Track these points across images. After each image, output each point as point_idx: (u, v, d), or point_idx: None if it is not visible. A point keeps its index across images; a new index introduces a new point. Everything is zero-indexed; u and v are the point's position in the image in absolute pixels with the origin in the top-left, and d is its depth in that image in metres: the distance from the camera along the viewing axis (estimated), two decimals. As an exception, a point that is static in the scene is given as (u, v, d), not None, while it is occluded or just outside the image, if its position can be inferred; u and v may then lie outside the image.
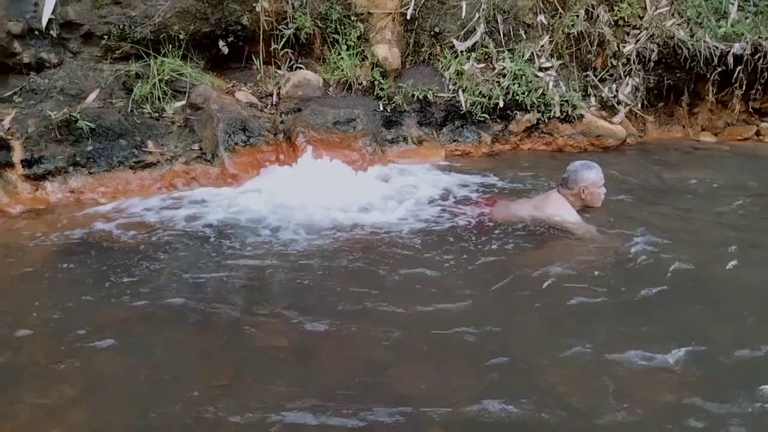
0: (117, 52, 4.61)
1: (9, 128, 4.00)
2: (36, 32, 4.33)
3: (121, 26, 4.52)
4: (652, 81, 5.80)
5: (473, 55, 5.48)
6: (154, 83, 4.58)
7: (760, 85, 5.63)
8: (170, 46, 4.71)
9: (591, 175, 3.49)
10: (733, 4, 5.66)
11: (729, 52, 5.49)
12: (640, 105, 5.78)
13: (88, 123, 4.11)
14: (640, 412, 1.88)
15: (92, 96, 4.42)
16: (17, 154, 3.90)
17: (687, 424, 1.84)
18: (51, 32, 4.35)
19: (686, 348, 2.21)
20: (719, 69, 5.59)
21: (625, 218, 3.60)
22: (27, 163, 3.91)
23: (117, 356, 2.21)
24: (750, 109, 6.02)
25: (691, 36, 5.57)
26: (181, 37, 4.71)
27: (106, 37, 4.52)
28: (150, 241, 3.29)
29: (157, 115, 4.53)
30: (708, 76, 5.66)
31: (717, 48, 5.51)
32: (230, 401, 1.95)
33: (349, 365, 2.18)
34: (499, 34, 5.60)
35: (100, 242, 3.29)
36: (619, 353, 2.21)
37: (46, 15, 4.31)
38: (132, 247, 3.23)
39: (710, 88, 5.74)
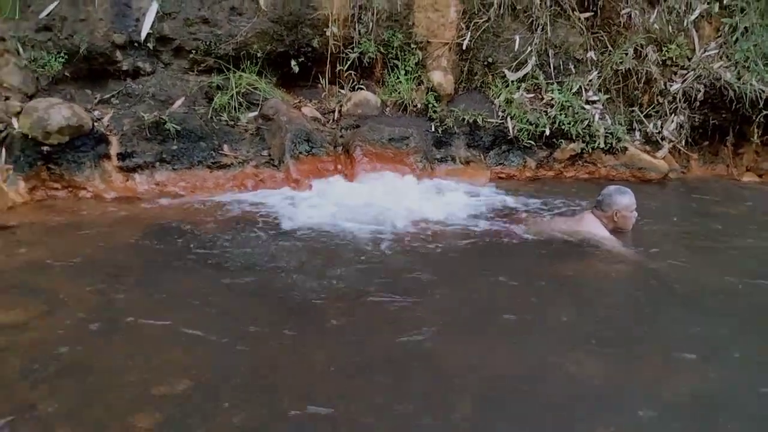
0: (202, 65, 5.18)
1: (108, 125, 4.59)
2: (135, 44, 4.94)
3: (207, 42, 5.10)
4: (697, 120, 6.00)
5: (523, 85, 5.83)
6: (232, 95, 5.12)
7: (806, 129, 5.76)
8: (248, 62, 5.26)
9: (624, 200, 3.77)
10: (781, 49, 5.84)
11: (776, 96, 5.66)
12: (684, 142, 5.98)
13: (174, 125, 4.66)
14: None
15: (179, 102, 4.99)
16: (114, 148, 4.47)
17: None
18: (148, 44, 4.95)
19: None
20: (765, 112, 5.74)
21: (657, 242, 3.83)
22: (121, 157, 4.47)
23: (192, 317, 2.60)
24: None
25: (738, 78, 5.76)
26: (259, 55, 5.25)
27: (193, 51, 5.10)
28: (221, 229, 3.73)
29: (233, 122, 5.05)
30: (753, 118, 5.82)
31: (763, 91, 5.68)
32: (291, 360, 2.31)
33: (396, 339, 2.51)
34: (550, 67, 5.94)
35: (179, 227, 3.75)
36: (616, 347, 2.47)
37: (145, 29, 4.92)
38: (205, 232, 3.67)
39: (755, 130, 5.88)
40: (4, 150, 4.13)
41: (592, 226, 3.81)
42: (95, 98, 4.87)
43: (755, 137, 5.94)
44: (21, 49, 4.54)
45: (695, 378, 2.27)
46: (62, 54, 4.63)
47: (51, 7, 4.60)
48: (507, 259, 3.48)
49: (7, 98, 4.41)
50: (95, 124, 4.51)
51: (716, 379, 2.26)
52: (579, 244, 3.71)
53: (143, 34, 4.92)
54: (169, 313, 2.63)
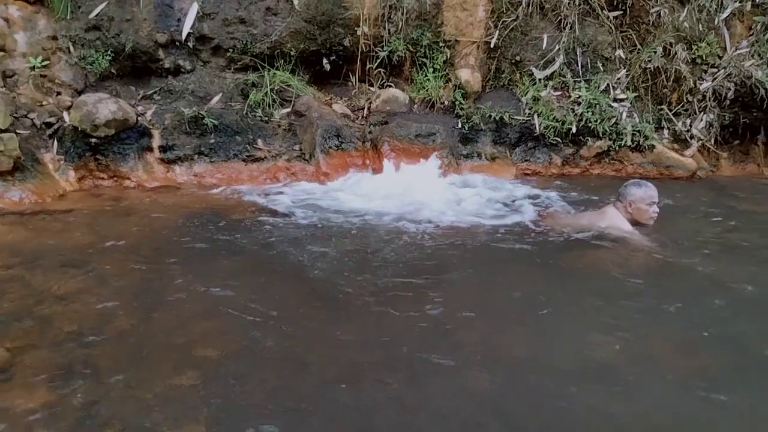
0: (238, 63, 5.42)
1: (150, 120, 4.86)
2: (176, 43, 5.20)
3: (243, 42, 5.33)
4: (727, 118, 5.97)
5: (551, 83, 5.90)
6: (266, 92, 5.34)
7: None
8: (282, 60, 5.47)
9: (639, 192, 3.83)
10: (816, 48, 5.77)
11: (809, 94, 5.59)
12: (713, 140, 5.95)
13: (212, 120, 4.91)
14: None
15: (216, 99, 5.24)
16: (156, 141, 4.74)
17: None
18: (188, 43, 5.21)
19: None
20: (797, 110, 5.69)
21: (676, 236, 3.88)
22: (162, 149, 4.74)
23: (225, 295, 2.81)
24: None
25: (769, 77, 5.72)
26: (292, 53, 5.46)
27: (231, 50, 5.34)
28: (253, 217, 3.95)
29: (266, 118, 5.27)
30: (785, 116, 5.77)
31: (796, 90, 5.62)
32: (315, 334, 2.48)
33: (419, 321, 2.66)
34: (577, 65, 5.99)
35: (215, 213, 3.99)
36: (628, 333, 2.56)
37: (186, 29, 5.17)
38: (238, 220, 3.89)
39: (787, 129, 5.83)
40: (56, 141, 4.43)
41: (613, 219, 3.88)
42: (139, 94, 5.15)
43: (787, 136, 5.88)
44: (72, 48, 4.85)
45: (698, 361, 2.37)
46: (109, 52, 4.93)
47: (100, 7, 4.89)
48: (528, 250, 3.59)
49: (58, 93, 4.73)
50: (139, 118, 4.79)
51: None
52: (599, 236, 3.79)
53: (184, 34, 5.17)
54: (204, 290, 2.84)
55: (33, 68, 4.67)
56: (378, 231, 3.81)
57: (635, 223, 3.89)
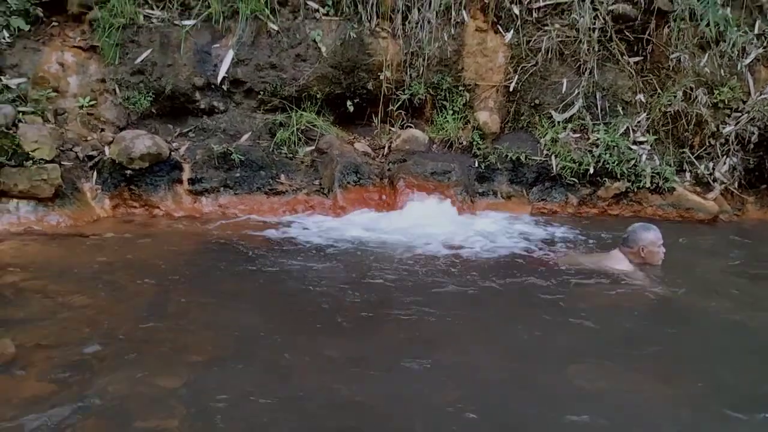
0: (268, 105, 5.80)
1: (183, 155, 5.25)
2: (212, 86, 5.64)
3: (274, 85, 5.72)
4: (751, 162, 5.90)
5: (570, 125, 6.02)
6: (293, 131, 5.67)
7: None
8: (309, 102, 5.83)
9: (649, 236, 3.86)
10: (843, 92, 5.69)
11: (834, 138, 5.50)
12: (737, 184, 5.88)
13: (239, 156, 5.25)
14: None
15: (245, 137, 5.60)
16: (186, 174, 5.10)
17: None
18: (223, 86, 5.64)
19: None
20: (824, 155, 5.58)
21: (683, 276, 3.86)
22: (191, 181, 5.09)
23: (227, 311, 3.01)
24: None
25: (794, 121, 5.66)
26: (318, 96, 5.81)
27: (261, 92, 5.74)
28: (271, 245, 4.19)
29: (291, 155, 5.58)
30: (813, 161, 5.67)
31: (822, 134, 5.54)
32: (305, 349, 2.62)
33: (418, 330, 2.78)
34: (597, 109, 6.10)
35: (237, 241, 4.24)
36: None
37: (221, 73, 5.61)
38: (254, 247, 4.12)
39: (814, 174, 5.71)
40: (95, 172, 4.85)
41: (617, 262, 3.92)
42: (175, 132, 5.58)
43: (815, 181, 5.75)
44: (117, 89, 5.35)
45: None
46: (151, 93, 5.39)
47: (145, 54, 5.40)
48: (533, 283, 3.65)
49: (102, 130, 5.19)
50: (172, 153, 5.18)
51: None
52: (603, 275, 3.82)
53: (220, 78, 5.61)
54: (209, 306, 3.06)
55: (81, 107, 5.17)
56: (383, 260, 3.96)
57: (645, 264, 3.90)
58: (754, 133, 5.79)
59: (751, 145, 5.82)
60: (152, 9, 5.55)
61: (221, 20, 5.51)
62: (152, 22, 5.49)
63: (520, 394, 2.33)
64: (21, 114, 4.52)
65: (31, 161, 4.20)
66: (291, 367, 2.44)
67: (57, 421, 1.96)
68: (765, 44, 6.09)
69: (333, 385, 2.30)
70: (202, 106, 5.68)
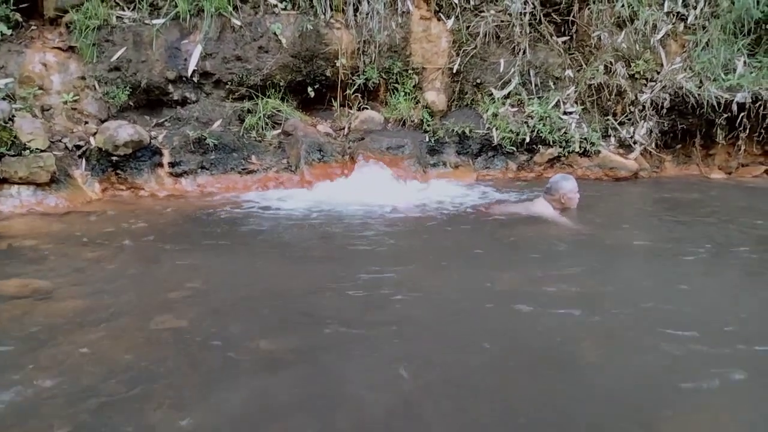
0: (236, 93, 6.39)
1: (161, 141, 5.81)
2: (183, 78, 6.19)
3: (240, 75, 6.30)
4: (666, 125, 6.75)
5: (508, 101, 6.78)
6: (260, 116, 6.27)
7: (763, 129, 6.41)
8: (273, 90, 6.43)
9: (568, 185, 4.66)
10: (739, 60, 6.58)
11: (732, 101, 6.37)
12: (654, 145, 6.73)
13: (213, 141, 5.84)
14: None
15: (217, 123, 6.19)
16: (166, 158, 5.67)
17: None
18: (193, 78, 6.19)
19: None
20: (725, 115, 6.46)
21: (608, 219, 4.69)
22: (171, 165, 5.67)
23: (208, 271, 3.62)
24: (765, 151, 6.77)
25: (699, 87, 6.51)
26: (281, 84, 6.42)
27: (229, 83, 6.31)
28: (246, 216, 4.81)
29: (260, 138, 6.19)
30: (716, 121, 6.54)
31: (722, 97, 6.41)
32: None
33: (366, 273, 3.46)
34: (531, 85, 6.87)
35: (212, 215, 4.84)
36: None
37: (191, 67, 6.16)
38: (234, 218, 4.74)
39: (719, 132, 6.59)
40: (84, 160, 5.39)
41: (543, 208, 4.71)
42: (152, 122, 6.12)
43: (720, 138, 6.63)
44: (97, 85, 5.86)
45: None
46: (128, 88, 5.92)
47: (120, 52, 5.91)
48: (476, 229, 4.42)
49: (86, 122, 5.72)
50: (152, 140, 5.74)
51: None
52: (531, 219, 4.60)
53: (190, 71, 6.16)
54: (193, 267, 3.60)
55: (65, 102, 5.68)
56: (342, 218, 4.65)
57: (564, 209, 4.69)
58: (666, 100, 6.62)
59: (664, 110, 6.65)
60: (123, 10, 6.07)
61: (188, 18, 6.05)
62: (124, 23, 6.00)
63: (454, 296, 3.06)
64: (15, 109, 5.04)
65: (28, 151, 4.73)
66: (259, 307, 3.07)
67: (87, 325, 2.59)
68: (674, 21, 6.93)
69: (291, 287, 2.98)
70: (176, 98, 6.23)
